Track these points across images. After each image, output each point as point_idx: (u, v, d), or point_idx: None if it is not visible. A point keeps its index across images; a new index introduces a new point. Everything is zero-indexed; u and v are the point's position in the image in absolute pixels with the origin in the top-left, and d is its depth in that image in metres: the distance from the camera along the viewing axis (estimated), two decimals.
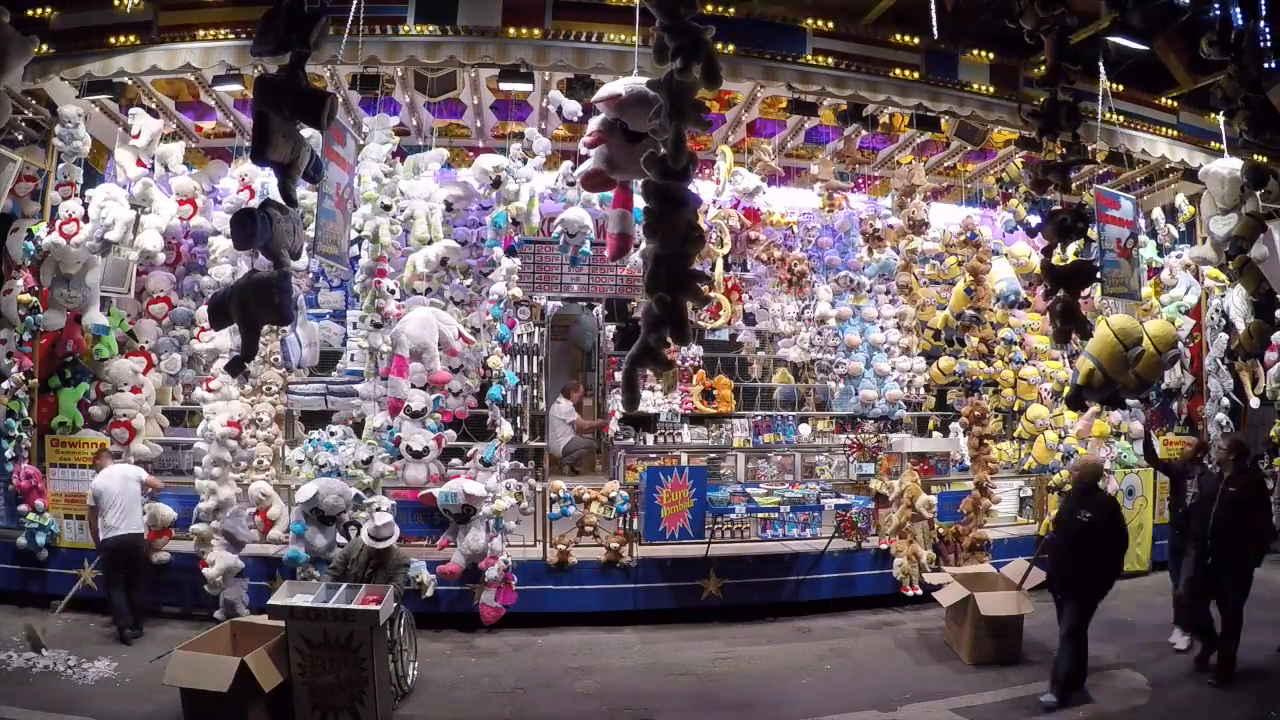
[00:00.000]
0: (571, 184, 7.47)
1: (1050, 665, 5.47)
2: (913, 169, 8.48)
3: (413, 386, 6.88)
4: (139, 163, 7.42)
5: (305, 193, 5.76)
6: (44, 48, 6.43)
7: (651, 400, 8.14)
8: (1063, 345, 7.54)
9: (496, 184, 7.11)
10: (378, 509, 6.13)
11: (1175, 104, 8.66)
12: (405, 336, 6.59)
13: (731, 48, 6.75)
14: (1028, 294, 9.24)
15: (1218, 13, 6.36)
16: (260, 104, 4.47)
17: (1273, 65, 6.33)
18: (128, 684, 5.42)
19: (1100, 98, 7.36)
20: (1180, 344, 8.17)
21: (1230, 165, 7.77)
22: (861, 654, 6.37)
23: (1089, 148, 7.52)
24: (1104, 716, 5.16)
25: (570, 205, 7.55)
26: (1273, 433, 9.90)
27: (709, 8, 6.75)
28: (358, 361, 7.57)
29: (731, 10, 6.90)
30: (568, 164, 7.54)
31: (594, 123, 4.94)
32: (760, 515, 7.53)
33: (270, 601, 4.94)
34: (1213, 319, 9.53)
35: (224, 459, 6.57)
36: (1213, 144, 8.35)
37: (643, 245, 4.60)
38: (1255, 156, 7.48)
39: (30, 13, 6.58)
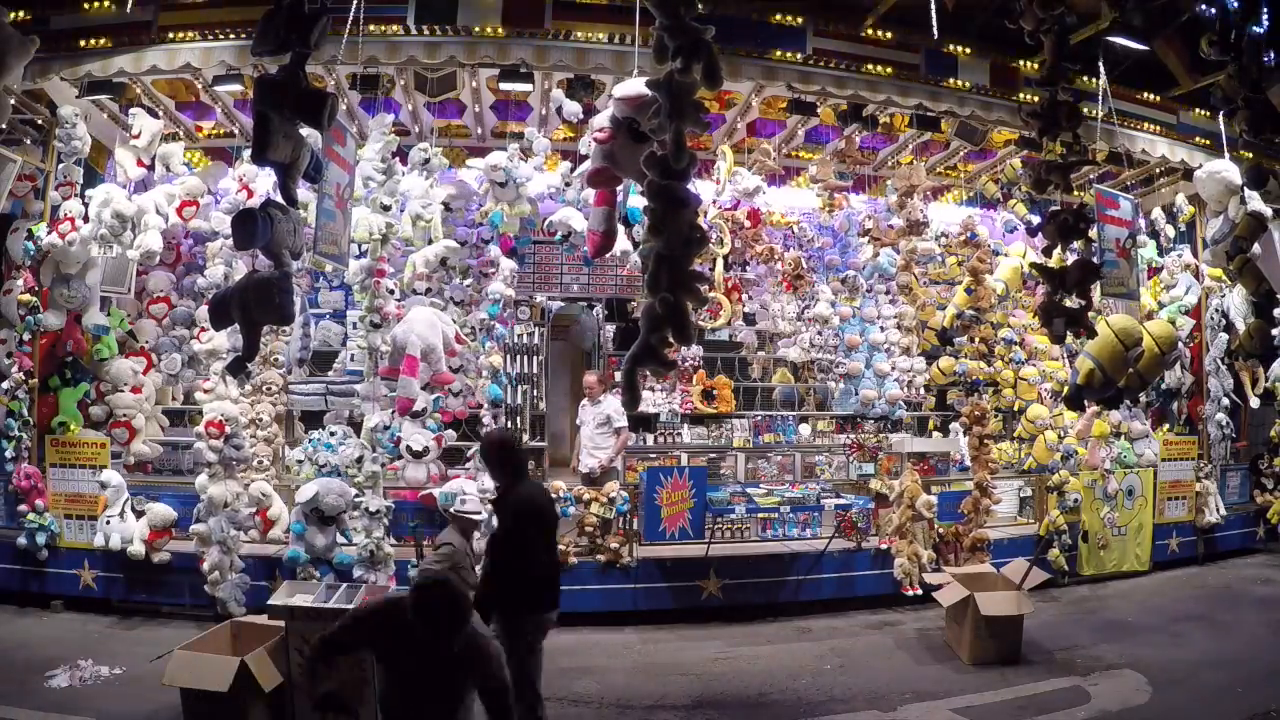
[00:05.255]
0: (568, 184, 7.47)
1: (1051, 665, 5.45)
2: (913, 169, 8.48)
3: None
4: (139, 163, 7.43)
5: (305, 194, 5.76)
6: (50, 46, 6.44)
7: (651, 400, 8.15)
8: (1060, 344, 7.55)
9: (504, 184, 7.11)
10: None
11: (1175, 104, 8.67)
12: (416, 337, 6.59)
13: (732, 48, 6.75)
14: (1027, 294, 9.25)
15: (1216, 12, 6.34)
16: (260, 104, 4.47)
17: (1271, 59, 6.30)
18: (128, 684, 5.42)
19: (1100, 98, 7.36)
20: (1180, 344, 8.18)
21: (1212, 169, 7.77)
22: (861, 654, 6.36)
23: (1089, 148, 7.52)
24: (1104, 716, 5.16)
25: (568, 205, 7.55)
26: (1273, 433, 9.91)
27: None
28: (358, 361, 7.57)
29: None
30: (566, 164, 7.55)
31: (604, 119, 4.94)
32: (760, 515, 7.52)
33: (270, 601, 4.94)
34: (1213, 319, 9.53)
35: (208, 459, 6.53)
36: (1213, 144, 8.36)
37: (642, 245, 4.61)
38: (1255, 156, 7.49)
39: (86, 7, 6.62)
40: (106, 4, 6.64)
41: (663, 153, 4.36)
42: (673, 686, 5.65)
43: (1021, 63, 7.65)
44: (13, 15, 5.70)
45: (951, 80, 7.53)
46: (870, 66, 7.28)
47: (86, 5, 6.65)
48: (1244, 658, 6.09)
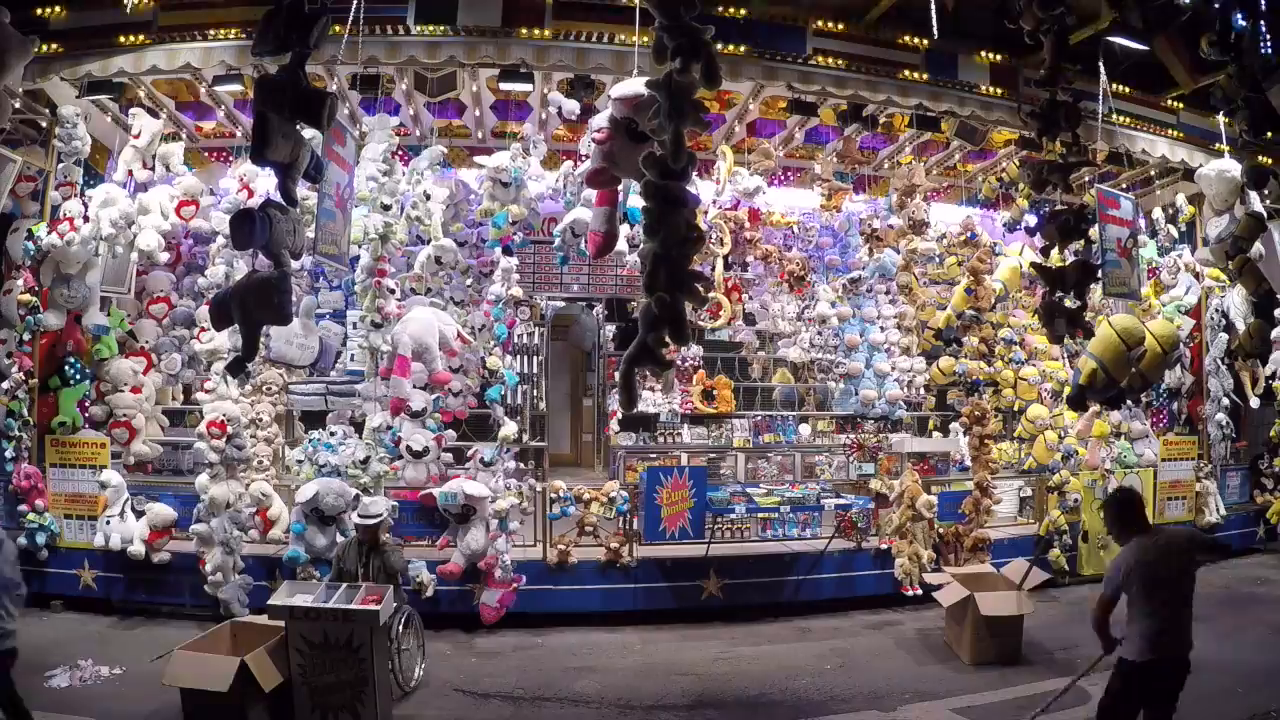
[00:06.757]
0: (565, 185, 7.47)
1: (1051, 665, 5.42)
2: (913, 169, 8.48)
3: (413, 386, 6.87)
4: (144, 164, 7.43)
5: (305, 193, 5.76)
6: (49, 46, 6.45)
7: (651, 400, 8.15)
8: (1060, 344, 7.54)
9: (506, 184, 7.11)
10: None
11: (1175, 104, 8.67)
12: (408, 337, 6.59)
13: (732, 47, 6.75)
14: (1027, 294, 9.24)
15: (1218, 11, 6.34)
16: (260, 104, 4.47)
17: (1269, 50, 6.29)
18: (128, 684, 5.42)
19: (1100, 98, 7.35)
20: (1181, 344, 8.17)
21: (1221, 167, 7.76)
22: (861, 654, 6.36)
23: (1089, 147, 7.52)
24: None
25: (572, 206, 7.55)
26: (1273, 433, 9.90)
27: (721, 9, 6.74)
28: (358, 361, 7.57)
29: (743, 11, 6.88)
30: (568, 164, 7.55)
31: (602, 120, 4.93)
32: (760, 515, 7.53)
33: (270, 601, 4.94)
34: (1213, 319, 9.52)
35: (210, 459, 6.53)
36: (1213, 144, 8.35)
37: (641, 245, 4.62)
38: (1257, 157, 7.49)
39: (37, 11, 6.59)
40: (106, 4, 6.64)
41: (661, 153, 4.36)
42: (673, 686, 5.66)
43: (1021, 63, 7.64)
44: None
45: (951, 80, 7.53)
46: (870, 66, 7.28)
47: (86, 5, 6.65)
48: (1244, 658, 6.07)
